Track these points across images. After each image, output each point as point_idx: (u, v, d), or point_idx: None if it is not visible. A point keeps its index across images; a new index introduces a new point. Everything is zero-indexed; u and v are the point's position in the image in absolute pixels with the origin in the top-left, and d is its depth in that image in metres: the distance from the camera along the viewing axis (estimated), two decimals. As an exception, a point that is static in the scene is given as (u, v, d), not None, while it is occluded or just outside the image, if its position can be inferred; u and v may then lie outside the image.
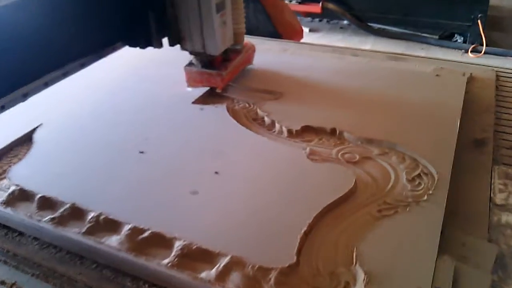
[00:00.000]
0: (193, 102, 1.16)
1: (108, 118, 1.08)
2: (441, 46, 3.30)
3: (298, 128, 1.03)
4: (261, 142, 0.98)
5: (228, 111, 1.12)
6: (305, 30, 3.78)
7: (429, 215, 0.78)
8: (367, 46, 3.30)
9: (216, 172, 0.89)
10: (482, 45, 3.12)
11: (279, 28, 1.88)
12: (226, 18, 1.07)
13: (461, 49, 3.22)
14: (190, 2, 1.01)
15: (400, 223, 0.77)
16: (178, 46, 1.11)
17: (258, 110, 1.11)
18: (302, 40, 2.07)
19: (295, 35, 1.96)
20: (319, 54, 1.52)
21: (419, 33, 3.42)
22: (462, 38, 3.34)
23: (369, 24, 3.52)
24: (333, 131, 1.03)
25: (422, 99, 1.12)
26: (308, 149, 0.96)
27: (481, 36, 3.10)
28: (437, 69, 1.34)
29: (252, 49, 1.25)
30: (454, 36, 3.41)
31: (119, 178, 0.88)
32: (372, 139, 0.99)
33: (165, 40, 1.10)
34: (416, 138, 0.98)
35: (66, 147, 0.98)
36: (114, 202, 0.82)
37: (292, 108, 1.11)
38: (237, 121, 1.07)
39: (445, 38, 3.41)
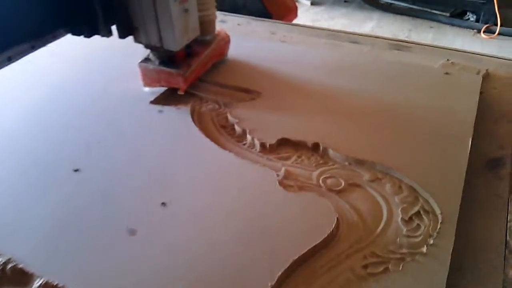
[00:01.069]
0: (152, 102, 0.96)
1: (42, 122, 0.89)
2: (452, 24, 3.05)
3: (273, 141, 0.84)
4: (226, 161, 0.80)
5: (192, 115, 0.93)
6: (307, 3, 3.52)
7: (428, 276, 0.60)
8: (372, 23, 3.06)
9: (163, 203, 0.71)
10: (497, 25, 2.87)
11: (269, 7, 1.65)
12: (189, 4, 0.86)
13: (473, 29, 2.98)
14: None
15: (390, 286, 0.59)
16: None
17: (229, 115, 0.92)
18: (297, 20, 1.84)
19: (287, 14, 1.74)
20: (311, 40, 1.32)
21: (429, 10, 3.16)
22: (474, 16, 3.09)
23: (375, -2, 3.26)
24: (315, 147, 0.84)
25: (426, 107, 0.92)
26: (282, 170, 0.78)
27: (496, 15, 2.84)
28: (447, 64, 1.13)
29: (225, 40, 1.04)
30: (466, 14, 3.15)
31: (40, 208, 0.70)
32: (363, 160, 0.80)
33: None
34: (416, 161, 0.79)
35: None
36: (28, 244, 0.64)
37: (269, 113, 0.91)
38: (201, 129, 0.88)
39: (456, 16, 3.16)
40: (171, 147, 0.83)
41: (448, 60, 1.19)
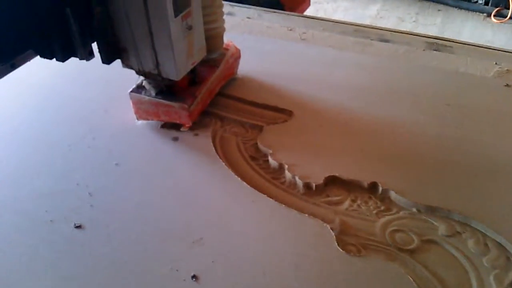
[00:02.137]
0: (163, 126, 0.78)
1: (25, 163, 0.71)
2: (460, 7, 2.88)
3: (320, 181, 0.67)
4: (264, 207, 0.63)
5: (214, 141, 0.76)
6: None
7: None
8: (377, 6, 2.88)
9: (194, 277, 0.54)
10: (508, 8, 2.72)
11: (281, -4, 1.46)
12: (193, 19, 0.67)
13: (482, 12, 2.82)
14: None
15: None
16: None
17: (259, 144, 0.74)
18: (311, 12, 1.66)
19: (300, 3, 1.55)
20: (337, 38, 1.14)
21: (435, -9, 2.99)
22: (483, -1, 2.92)
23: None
24: (373, 188, 0.68)
25: (500, 138, 0.76)
26: (337, 221, 0.62)
27: (508, -3, 2.68)
28: (501, 72, 0.97)
29: (235, 57, 0.85)
30: (474, -5, 2.98)
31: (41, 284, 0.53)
32: (435, 208, 0.64)
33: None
34: (500, 210, 0.63)
35: None
36: None
37: (309, 142, 0.75)
38: (227, 162, 0.71)
39: (464, -2, 2.99)
40: (192, 187, 0.67)
41: (496, 63, 1.03)
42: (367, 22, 2.57)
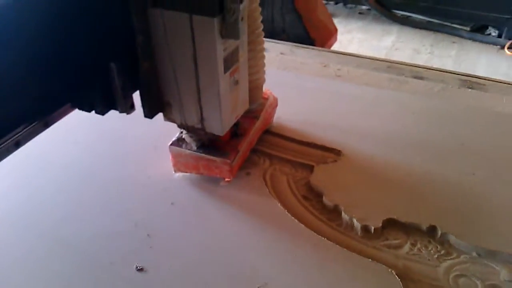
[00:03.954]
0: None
1: (81, 202, 0.71)
2: (474, 39, 2.92)
3: (379, 224, 0.67)
4: (326, 251, 0.63)
5: (265, 180, 0.76)
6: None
7: None
8: (392, 37, 2.92)
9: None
10: (521, 41, 2.75)
11: (311, 32, 1.49)
12: (240, 74, 0.67)
13: (496, 45, 2.85)
14: (178, 54, 0.60)
15: None
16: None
17: (312, 183, 0.75)
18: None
19: (329, 38, 1.58)
20: (371, 75, 1.15)
21: (449, 24, 3.03)
22: (496, 31, 2.96)
23: (393, 11, 3.11)
24: (431, 231, 0.67)
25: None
26: (400, 265, 0.61)
27: (522, 31, 2.72)
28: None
29: (273, 105, 0.86)
30: (487, 28, 3.02)
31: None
32: (496, 251, 0.64)
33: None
34: None
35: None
36: None
37: (362, 183, 0.75)
38: (281, 202, 0.71)
39: (477, 30, 3.03)
40: (252, 229, 0.67)
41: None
42: (383, 54, 2.61)
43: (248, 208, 0.71)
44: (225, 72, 0.62)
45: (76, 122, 0.90)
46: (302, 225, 0.68)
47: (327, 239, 0.65)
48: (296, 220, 0.68)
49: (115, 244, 0.64)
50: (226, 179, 0.75)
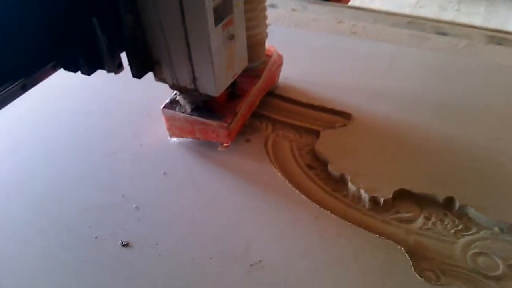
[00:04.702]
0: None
1: (68, 173, 0.67)
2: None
3: (389, 195, 0.60)
4: (328, 225, 0.57)
5: (266, 148, 0.70)
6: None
7: None
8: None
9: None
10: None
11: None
12: (236, 27, 0.59)
13: (530, -1, 2.64)
14: (163, 5, 0.53)
15: None
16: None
17: (317, 151, 0.68)
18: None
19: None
20: (390, 31, 1.06)
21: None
22: (532, -16, 2.74)
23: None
24: (448, 204, 0.61)
25: None
26: (411, 241, 0.55)
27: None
28: None
29: (277, 64, 0.78)
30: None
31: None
32: (521, 226, 0.57)
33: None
34: None
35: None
36: None
37: (372, 150, 0.68)
38: (283, 172, 0.65)
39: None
40: (248, 201, 0.61)
41: None
42: (406, 11, 2.44)
43: (246, 178, 0.65)
44: (216, 24, 0.55)
45: (64, 88, 0.85)
46: (304, 197, 0.62)
47: (330, 212, 0.59)
48: (297, 191, 0.62)
49: (101, 217, 0.60)
50: (224, 144, 0.69)
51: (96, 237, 0.58)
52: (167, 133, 0.71)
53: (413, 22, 1.11)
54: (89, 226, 0.59)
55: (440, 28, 1.09)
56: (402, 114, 0.74)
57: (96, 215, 0.60)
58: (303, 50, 0.92)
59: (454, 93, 0.78)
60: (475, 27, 1.12)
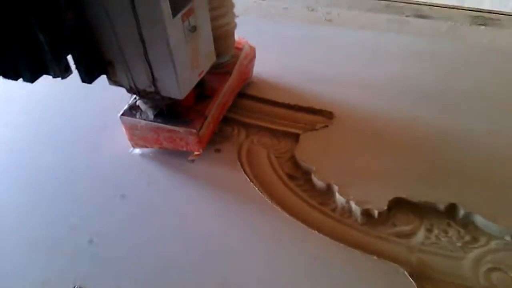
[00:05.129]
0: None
1: (8, 205, 0.56)
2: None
3: (384, 206, 0.52)
4: (318, 249, 0.49)
5: (240, 158, 0.61)
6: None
7: None
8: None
9: None
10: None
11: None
12: (198, 17, 0.50)
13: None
14: None
15: None
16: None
17: (298, 158, 0.59)
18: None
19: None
20: (366, 17, 0.98)
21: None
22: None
23: None
24: (450, 211, 0.53)
25: None
26: (413, 260, 0.47)
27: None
28: None
29: (250, 57, 0.69)
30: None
31: None
32: (536, 235, 0.49)
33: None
34: None
35: None
36: None
37: (358, 151, 0.60)
38: (261, 186, 0.56)
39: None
40: (221, 226, 0.52)
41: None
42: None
43: (218, 197, 0.56)
44: (174, 15, 0.46)
45: (8, 100, 0.74)
46: (287, 214, 0.53)
47: (318, 231, 0.51)
48: (278, 209, 0.53)
49: (49, 256, 0.50)
50: (195, 153, 0.60)
51: (43, 282, 0.48)
52: (128, 144, 0.61)
53: (390, 5, 1.04)
54: (36, 268, 0.49)
55: (419, 10, 1.02)
56: (388, 107, 0.66)
57: (44, 254, 0.50)
58: (275, 42, 0.83)
59: (444, 80, 0.71)
60: (457, 8, 1.05)
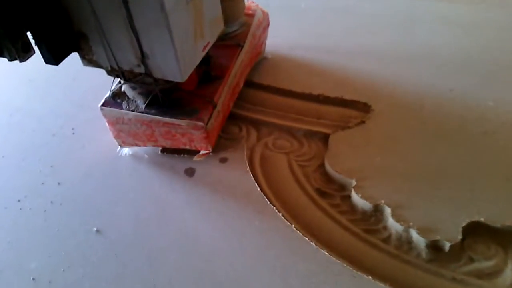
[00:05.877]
0: (163, 150, 0.48)
1: None
2: None
3: (458, 237, 0.38)
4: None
5: (252, 169, 0.46)
6: None
7: None
8: None
9: None
10: None
11: None
12: None
13: None
14: None
15: None
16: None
17: (329, 169, 0.45)
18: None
19: None
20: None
21: None
22: None
23: None
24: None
25: None
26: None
27: None
28: None
29: (264, 25, 0.54)
30: None
31: None
32: None
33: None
34: None
35: None
36: None
37: (408, 153, 0.45)
38: (283, 207, 0.42)
39: None
40: (230, 268, 0.38)
41: None
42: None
43: (224, 227, 0.41)
44: None
45: None
46: (325, 253, 0.38)
47: (371, 275, 0.36)
48: (313, 244, 0.39)
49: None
50: (202, 152, 0.45)
51: None
52: (115, 143, 0.46)
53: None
54: None
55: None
56: (438, 86, 0.51)
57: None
58: (288, 17, 0.68)
59: (498, 54, 0.56)
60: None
